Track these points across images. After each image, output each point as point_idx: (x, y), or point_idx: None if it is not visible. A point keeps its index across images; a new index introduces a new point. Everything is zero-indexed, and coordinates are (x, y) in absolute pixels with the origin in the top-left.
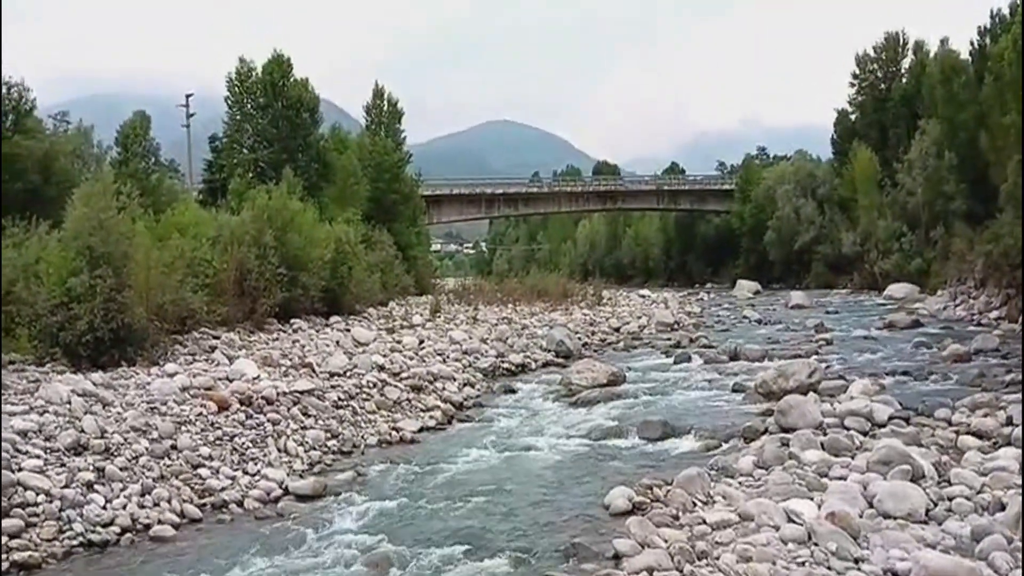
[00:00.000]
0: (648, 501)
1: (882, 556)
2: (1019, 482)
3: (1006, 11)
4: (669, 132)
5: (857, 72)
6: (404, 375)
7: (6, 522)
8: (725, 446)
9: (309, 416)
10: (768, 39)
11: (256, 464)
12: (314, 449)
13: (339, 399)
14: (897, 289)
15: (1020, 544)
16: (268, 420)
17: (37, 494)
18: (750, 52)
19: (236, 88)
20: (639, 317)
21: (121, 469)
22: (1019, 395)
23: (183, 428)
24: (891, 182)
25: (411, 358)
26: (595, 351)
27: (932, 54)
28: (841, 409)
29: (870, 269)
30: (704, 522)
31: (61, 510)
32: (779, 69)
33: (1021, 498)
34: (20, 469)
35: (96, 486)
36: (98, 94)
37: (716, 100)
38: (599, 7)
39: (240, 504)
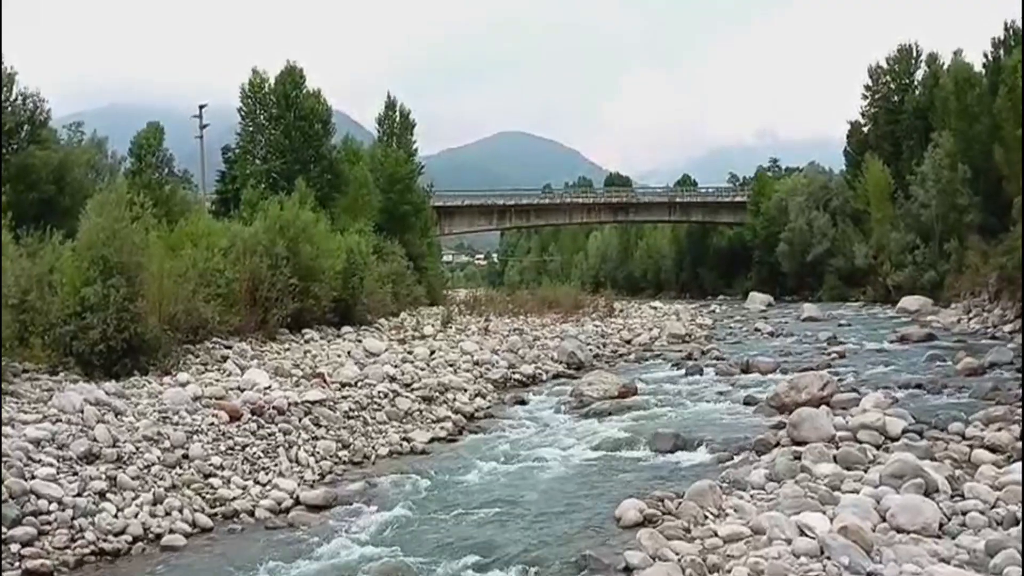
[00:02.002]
0: (659, 514)
1: (895, 570)
2: None
3: (1020, 23)
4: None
5: (870, 84)
6: (415, 386)
7: (19, 530)
8: (737, 459)
9: (320, 426)
10: (783, 52)
11: (267, 474)
12: (325, 459)
13: (350, 409)
14: (910, 302)
15: None
16: (279, 430)
17: (50, 502)
18: (764, 65)
19: (249, 99)
20: (651, 329)
21: (133, 478)
22: None
23: (195, 438)
24: (904, 194)
25: (422, 369)
26: (606, 363)
27: (945, 66)
28: (854, 422)
29: (883, 282)
30: (716, 535)
31: (73, 518)
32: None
33: (1021, 508)
34: (33, 477)
35: (108, 495)
36: (112, 105)
37: (730, 113)
38: (613, 20)
39: (251, 514)
